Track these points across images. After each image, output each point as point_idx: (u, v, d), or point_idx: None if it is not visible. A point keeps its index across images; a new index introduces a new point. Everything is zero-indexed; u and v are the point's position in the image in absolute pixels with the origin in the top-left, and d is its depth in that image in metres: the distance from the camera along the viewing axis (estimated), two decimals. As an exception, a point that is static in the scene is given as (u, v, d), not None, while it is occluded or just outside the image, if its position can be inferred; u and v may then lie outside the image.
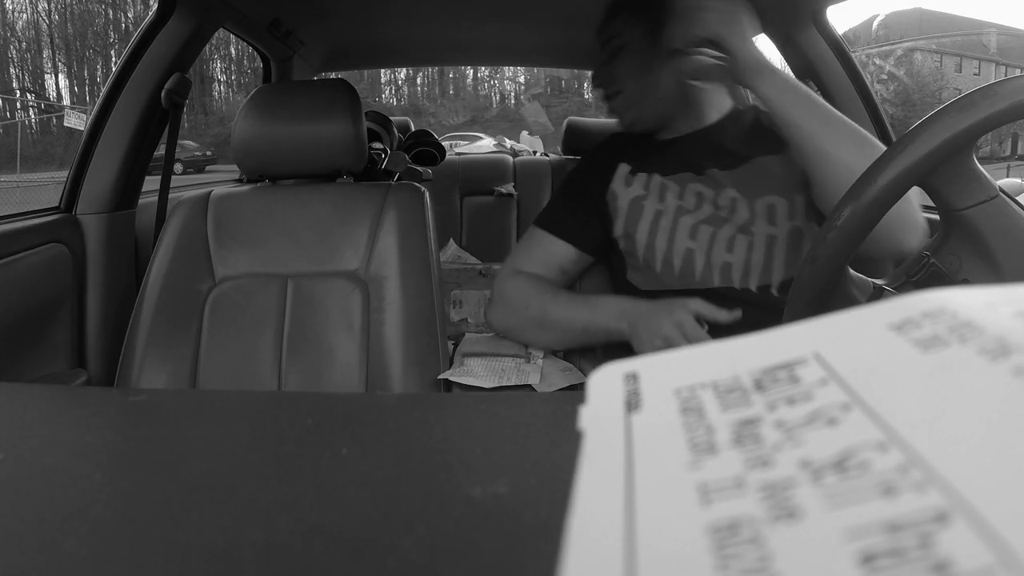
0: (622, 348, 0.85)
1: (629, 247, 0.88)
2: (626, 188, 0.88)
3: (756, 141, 0.87)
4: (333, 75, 2.21)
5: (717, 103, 0.90)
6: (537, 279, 0.88)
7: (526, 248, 0.93)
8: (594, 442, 0.12)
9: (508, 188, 2.02)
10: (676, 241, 0.84)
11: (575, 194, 0.94)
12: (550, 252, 0.91)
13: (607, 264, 0.96)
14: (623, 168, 0.90)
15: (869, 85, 1.32)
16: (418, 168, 1.56)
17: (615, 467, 0.11)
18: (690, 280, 0.83)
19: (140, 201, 1.33)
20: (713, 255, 0.82)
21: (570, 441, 0.25)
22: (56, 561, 0.22)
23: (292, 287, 0.93)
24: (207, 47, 1.36)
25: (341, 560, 0.22)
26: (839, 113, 0.73)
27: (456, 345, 0.99)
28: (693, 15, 0.73)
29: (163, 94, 1.22)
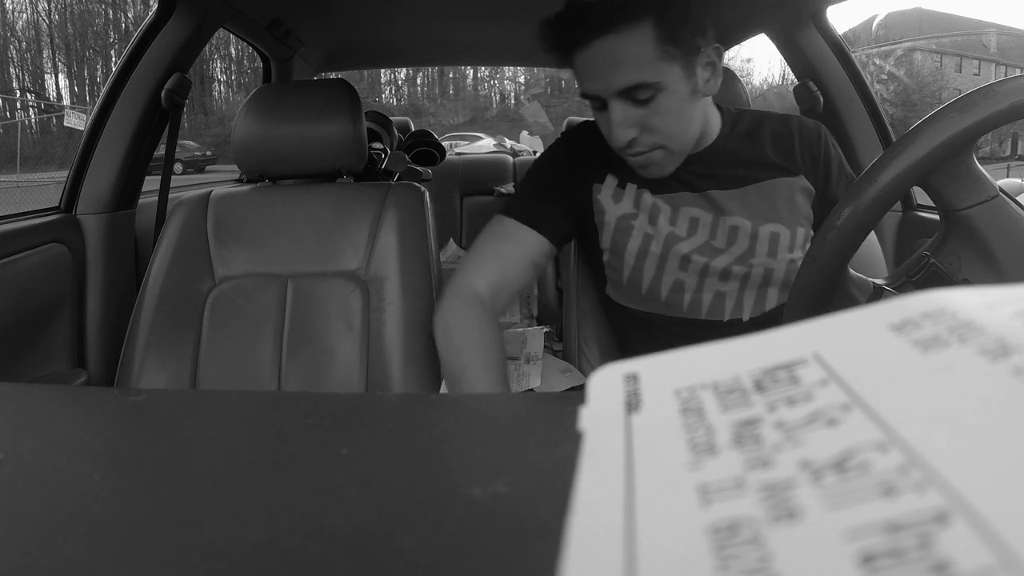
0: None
1: (615, 263, 0.82)
2: (614, 204, 0.81)
3: (760, 158, 0.78)
4: (333, 75, 2.21)
5: (712, 116, 0.80)
6: (489, 322, 0.77)
7: (494, 241, 0.82)
8: (594, 443, 0.12)
9: (508, 188, 2.02)
10: (666, 270, 0.78)
11: (549, 185, 0.84)
12: (523, 245, 0.80)
13: (591, 273, 0.90)
14: (610, 180, 0.81)
15: (869, 85, 1.32)
16: (418, 168, 1.56)
17: (615, 468, 0.11)
18: (676, 309, 0.79)
19: (140, 201, 1.33)
20: (705, 286, 0.77)
21: (570, 441, 0.25)
22: (56, 561, 0.22)
23: (292, 287, 0.93)
24: (207, 47, 1.36)
25: (341, 560, 0.22)
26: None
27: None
28: None
29: (163, 94, 1.22)
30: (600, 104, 0.74)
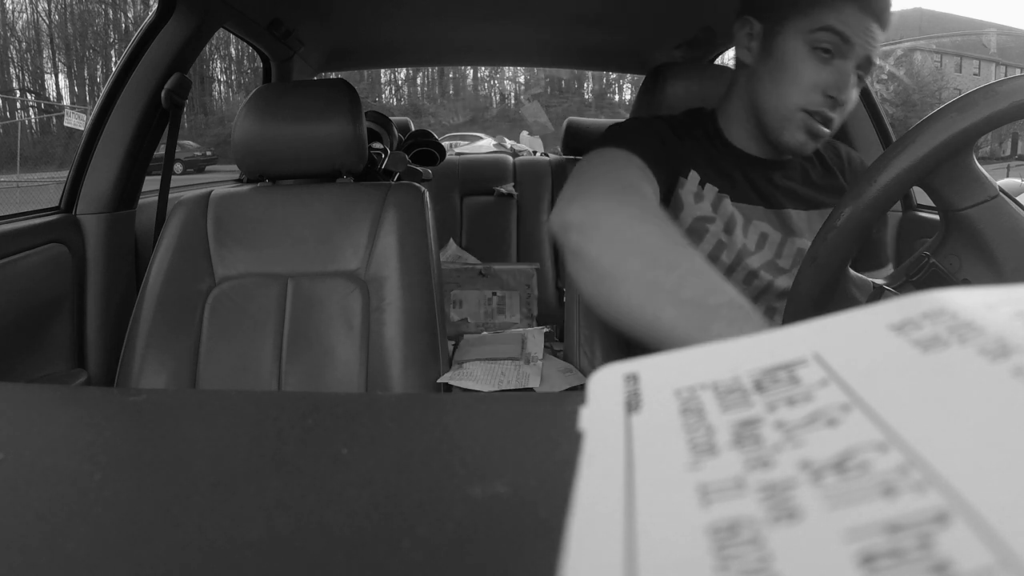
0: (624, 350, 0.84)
1: None
2: (694, 203, 0.74)
3: (828, 182, 0.79)
4: (333, 75, 2.21)
5: None
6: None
7: (612, 169, 0.64)
8: (594, 443, 0.12)
9: (508, 188, 2.02)
10: (731, 281, 0.75)
11: (659, 139, 0.73)
12: (647, 179, 0.64)
13: None
14: (693, 175, 0.74)
15: (869, 85, 1.32)
16: (418, 168, 1.56)
17: (615, 468, 0.11)
18: None
19: (140, 201, 1.33)
20: (760, 300, 0.76)
21: (570, 441, 0.25)
22: (56, 561, 0.22)
23: (292, 287, 0.93)
24: (207, 47, 1.36)
25: (341, 560, 0.22)
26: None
27: (456, 346, 0.99)
28: None
29: (163, 94, 1.22)
30: (828, 50, 0.68)
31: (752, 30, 0.74)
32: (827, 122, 0.70)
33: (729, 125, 0.79)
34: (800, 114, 0.70)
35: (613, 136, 0.71)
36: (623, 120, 0.79)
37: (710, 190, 0.74)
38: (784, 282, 0.75)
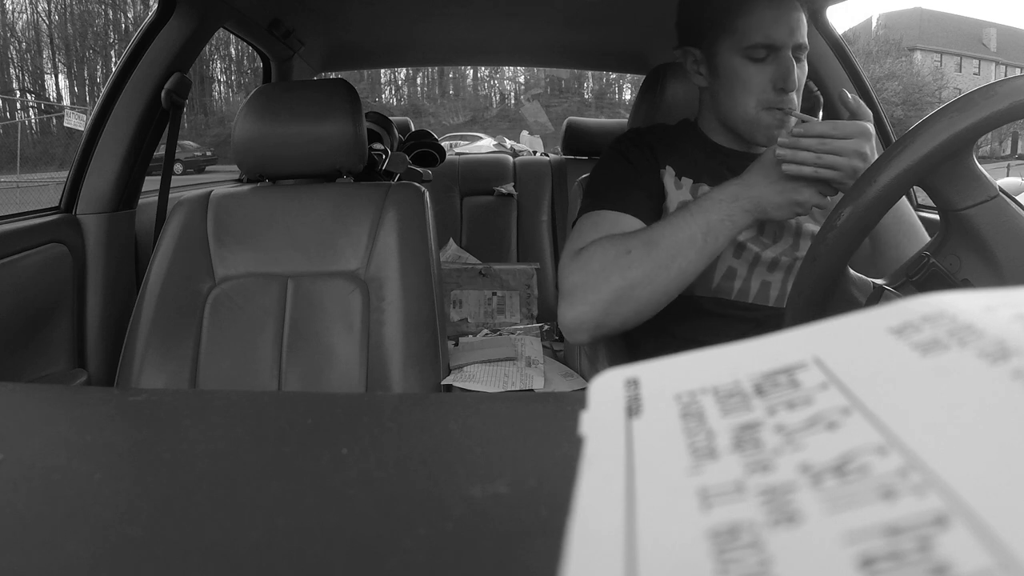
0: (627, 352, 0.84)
1: None
2: (676, 190, 0.83)
3: None
4: (333, 75, 2.21)
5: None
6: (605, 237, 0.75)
7: (591, 228, 0.79)
8: (595, 447, 0.12)
9: (508, 188, 2.02)
10: (721, 256, 0.80)
11: (630, 173, 0.84)
12: (621, 226, 0.79)
13: None
14: (670, 169, 0.84)
15: (869, 85, 1.32)
16: (418, 169, 1.56)
17: (616, 472, 0.11)
18: (725, 294, 0.81)
19: (140, 201, 1.33)
20: (754, 275, 0.80)
21: (570, 441, 0.25)
22: (56, 561, 0.22)
23: (292, 287, 0.93)
24: (207, 47, 1.36)
25: (341, 560, 0.22)
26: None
27: (455, 345, 0.99)
28: None
29: (163, 94, 1.22)
30: (763, 56, 0.76)
31: (695, 57, 0.83)
32: (788, 110, 0.78)
33: (709, 131, 0.86)
34: (763, 112, 0.78)
35: (595, 195, 0.83)
36: (597, 168, 0.88)
37: (686, 181, 0.83)
38: (771, 252, 0.80)
